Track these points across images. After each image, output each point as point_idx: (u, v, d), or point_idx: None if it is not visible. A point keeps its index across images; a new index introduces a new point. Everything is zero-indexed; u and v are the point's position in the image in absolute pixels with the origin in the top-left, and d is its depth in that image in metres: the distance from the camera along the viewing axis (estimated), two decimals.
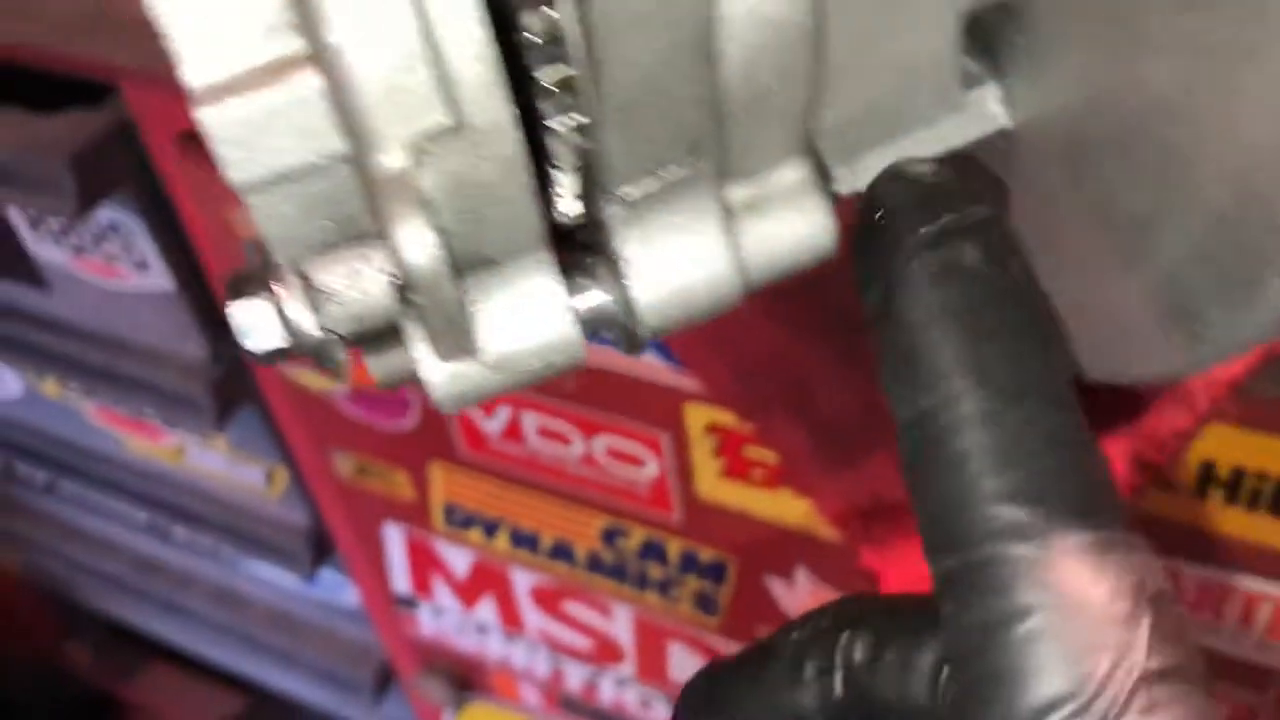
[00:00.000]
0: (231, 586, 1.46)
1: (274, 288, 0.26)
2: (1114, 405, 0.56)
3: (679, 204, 0.25)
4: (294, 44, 0.21)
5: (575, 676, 1.15)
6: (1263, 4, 0.21)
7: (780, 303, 0.68)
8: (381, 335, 0.26)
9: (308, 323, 0.26)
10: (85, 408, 1.29)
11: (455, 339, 0.24)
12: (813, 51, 0.24)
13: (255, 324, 0.26)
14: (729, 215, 0.26)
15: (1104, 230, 0.28)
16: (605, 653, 1.09)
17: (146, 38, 0.23)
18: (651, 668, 1.07)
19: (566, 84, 0.22)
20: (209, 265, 0.96)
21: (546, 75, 0.22)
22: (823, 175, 0.27)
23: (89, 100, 0.90)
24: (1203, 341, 0.26)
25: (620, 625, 1.04)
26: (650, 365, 0.81)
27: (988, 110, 0.30)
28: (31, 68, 0.85)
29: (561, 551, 1.01)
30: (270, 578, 1.39)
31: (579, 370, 0.26)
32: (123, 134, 0.89)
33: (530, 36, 0.22)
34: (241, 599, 1.46)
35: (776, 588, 0.91)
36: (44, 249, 1.08)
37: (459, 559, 1.09)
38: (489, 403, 0.93)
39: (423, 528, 1.08)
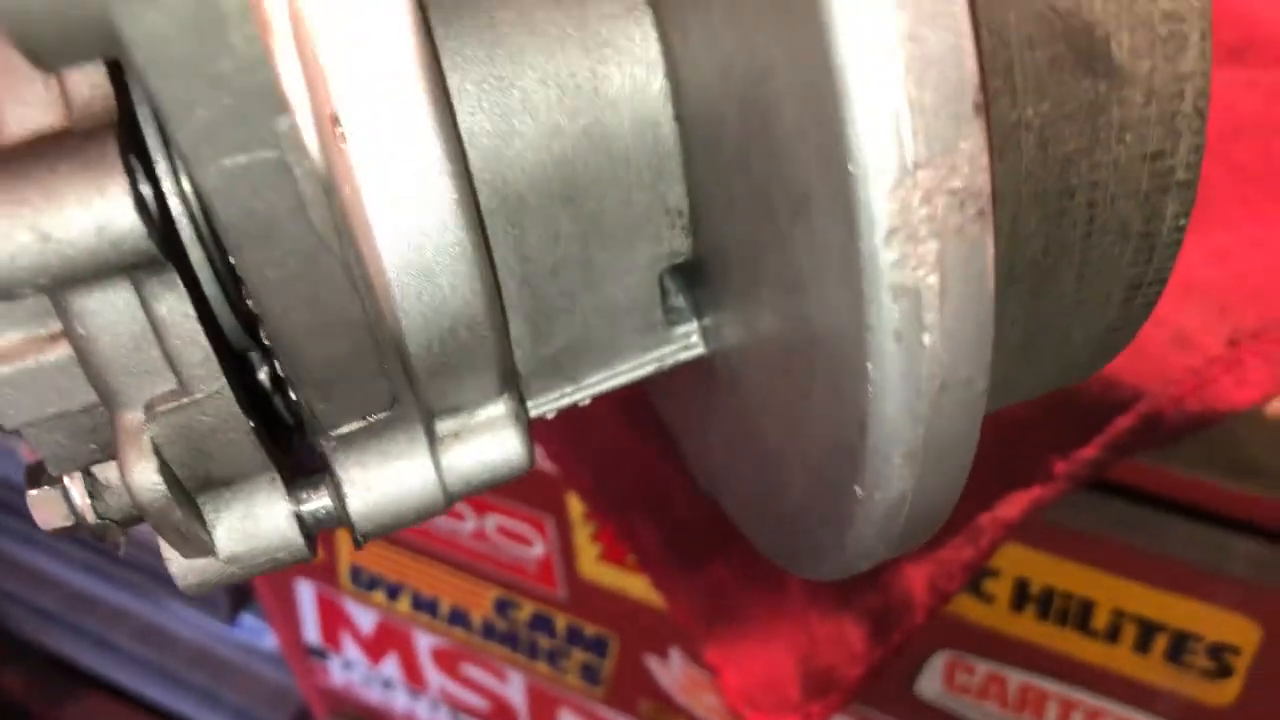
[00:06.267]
0: (159, 624, 1.50)
1: (64, 480, 0.32)
2: None
3: (389, 437, 0.31)
4: (52, 325, 0.27)
5: None
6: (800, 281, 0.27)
7: (637, 411, 0.74)
8: None
9: (88, 510, 0.31)
10: (17, 444, 1.33)
11: (189, 546, 0.29)
12: (493, 331, 0.30)
13: (47, 508, 0.31)
14: (435, 443, 0.31)
15: (755, 451, 0.34)
16: (501, 715, 1.13)
17: None
18: None
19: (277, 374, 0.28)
20: None
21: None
22: (521, 407, 0.33)
23: None
24: (824, 561, 0.32)
25: (514, 690, 1.09)
26: (538, 455, 0.87)
27: (690, 341, 0.36)
28: None
29: (459, 617, 1.06)
30: (196, 618, 1.43)
31: None
32: None
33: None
34: (169, 637, 1.50)
35: (654, 665, 0.97)
36: None
37: (365, 617, 1.14)
38: None
39: (331, 585, 1.13)
